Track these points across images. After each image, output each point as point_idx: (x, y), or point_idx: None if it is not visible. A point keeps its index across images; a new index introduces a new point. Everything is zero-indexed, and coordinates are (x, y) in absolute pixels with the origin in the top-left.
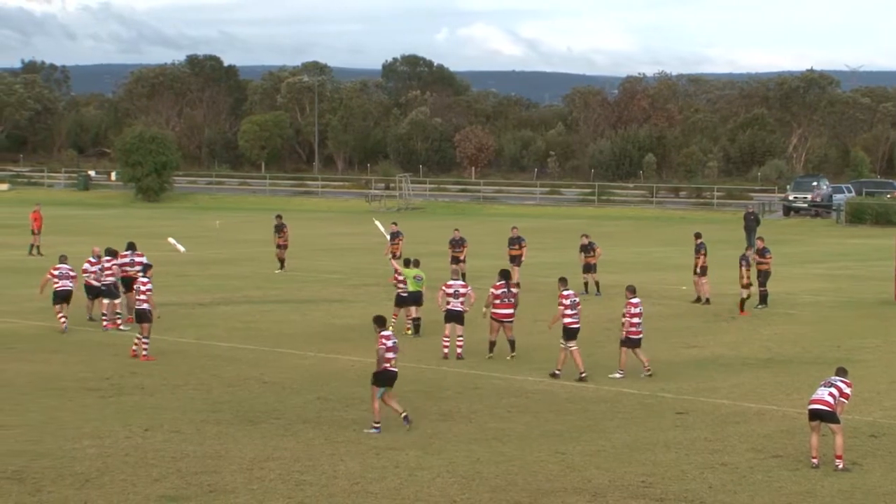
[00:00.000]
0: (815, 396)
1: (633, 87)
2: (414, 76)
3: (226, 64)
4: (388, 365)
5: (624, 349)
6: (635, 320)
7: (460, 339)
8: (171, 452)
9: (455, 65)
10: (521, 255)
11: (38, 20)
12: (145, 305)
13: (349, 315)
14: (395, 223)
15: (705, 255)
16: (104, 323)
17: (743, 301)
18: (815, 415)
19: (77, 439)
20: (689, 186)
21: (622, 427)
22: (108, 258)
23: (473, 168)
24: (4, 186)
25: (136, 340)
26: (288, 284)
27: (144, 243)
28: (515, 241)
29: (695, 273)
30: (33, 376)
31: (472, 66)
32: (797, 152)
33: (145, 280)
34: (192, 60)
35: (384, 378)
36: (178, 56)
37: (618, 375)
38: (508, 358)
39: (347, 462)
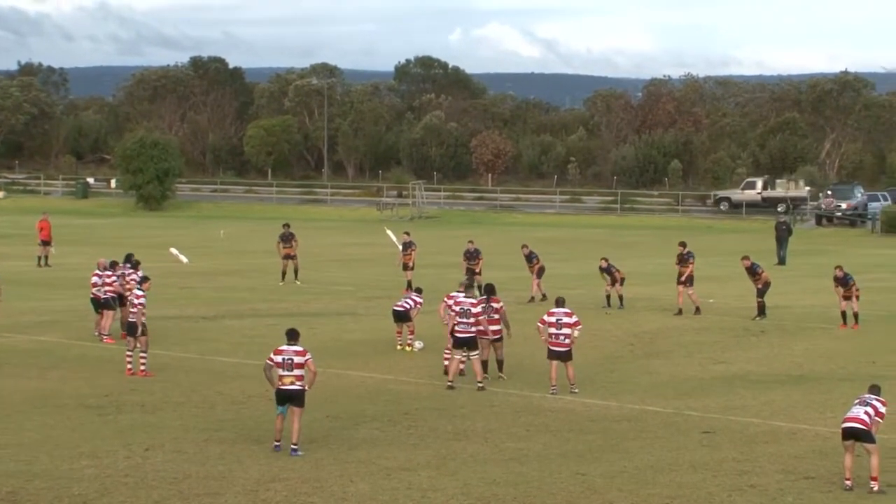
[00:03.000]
0: (849, 415)
1: (657, 90)
2: (428, 79)
3: (231, 66)
4: (279, 383)
5: (550, 362)
6: (552, 330)
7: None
8: (172, 473)
9: (471, 66)
10: (535, 271)
11: (33, 20)
12: (139, 318)
13: (359, 329)
14: (407, 233)
15: (693, 263)
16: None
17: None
18: (849, 434)
19: (74, 459)
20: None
21: (646, 447)
22: (109, 272)
23: (490, 175)
24: (0, 194)
25: (128, 357)
26: (296, 297)
27: (146, 254)
28: (529, 259)
29: (679, 283)
30: (29, 393)
31: (489, 68)
32: (830, 158)
33: (140, 293)
34: (196, 62)
35: (276, 397)
36: (181, 57)
37: (550, 392)
38: (498, 378)
39: (357, 483)
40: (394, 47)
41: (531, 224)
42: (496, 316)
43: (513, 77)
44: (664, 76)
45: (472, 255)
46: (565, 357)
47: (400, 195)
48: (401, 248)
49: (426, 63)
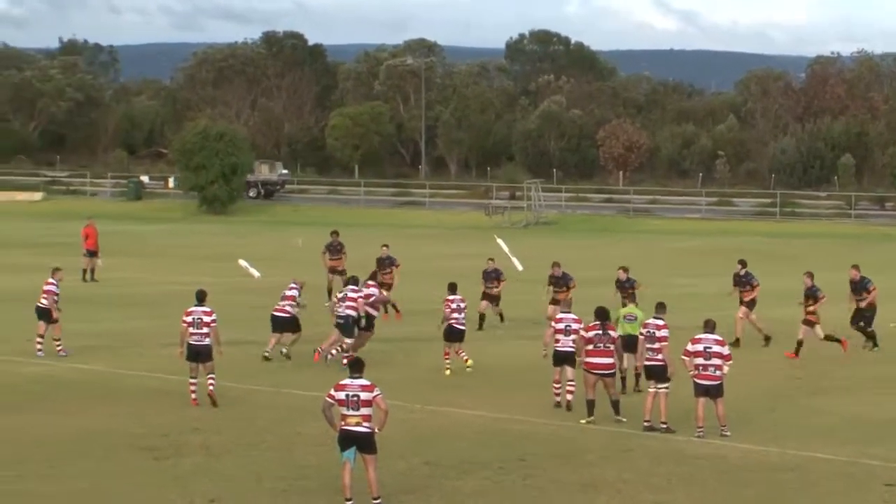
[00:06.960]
0: None
1: (824, 70)
2: (546, 57)
3: (310, 43)
4: (341, 423)
5: (696, 398)
6: (699, 360)
7: (571, 383)
8: None
9: (596, 42)
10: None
11: None
12: (208, 341)
13: (467, 355)
14: (385, 245)
15: (758, 286)
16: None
17: None
18: None
19: None
20: None
21: (815, 503)
22: (353, 287)
23: (621, 173)
24: (38, 195)
25: (192, 385)
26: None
27: (211, 266)
28: (561, 281)
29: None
30: (73, 432)
31: (617, 45)
32: None
33: (209, 311)
34: (270, 38)
35: (339, 440)
36: (248, 33)
37: (696, 435)
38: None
39: None
40: (502, 20)
41: (670, 231)
42: (611, 346)
43: (647, 55)
44: (832, 53)
45: (385, 263)
46: (715, 392)
47: (512, 197)
48: (386, 265)
49: (543, 38)
